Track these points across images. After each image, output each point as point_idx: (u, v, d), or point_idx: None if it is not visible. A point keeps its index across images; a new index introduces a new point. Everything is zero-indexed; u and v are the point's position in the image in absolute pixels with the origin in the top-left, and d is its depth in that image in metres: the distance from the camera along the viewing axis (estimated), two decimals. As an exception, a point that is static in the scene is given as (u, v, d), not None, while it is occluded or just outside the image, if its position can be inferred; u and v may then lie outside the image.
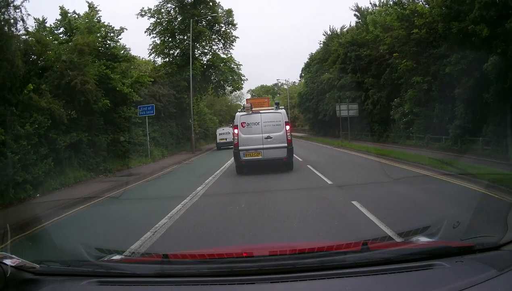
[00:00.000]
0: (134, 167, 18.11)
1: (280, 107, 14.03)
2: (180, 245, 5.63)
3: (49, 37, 16.51)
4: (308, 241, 4.89)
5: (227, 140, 27.17)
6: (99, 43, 17.39)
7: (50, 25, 18.48)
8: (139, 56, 32.40)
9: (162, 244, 5.54)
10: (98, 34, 17.72)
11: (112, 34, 18.97)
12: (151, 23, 31.11)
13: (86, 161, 15.57)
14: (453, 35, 17.18)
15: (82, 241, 3.98)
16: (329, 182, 10.60)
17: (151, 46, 31.26)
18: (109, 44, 18.55)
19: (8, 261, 1.86)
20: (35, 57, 15.31)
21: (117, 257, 2.66)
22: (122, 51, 18.25)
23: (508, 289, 1.70)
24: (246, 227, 6.25)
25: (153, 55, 31.22)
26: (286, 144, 12.92)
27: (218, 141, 30.29)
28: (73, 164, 14.84)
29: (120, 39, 18.66)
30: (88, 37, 15.34)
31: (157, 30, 31.14)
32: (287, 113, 14.38)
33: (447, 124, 20.16)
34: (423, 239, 2.60)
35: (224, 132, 29.79)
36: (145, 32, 31.33)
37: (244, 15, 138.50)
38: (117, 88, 16.23)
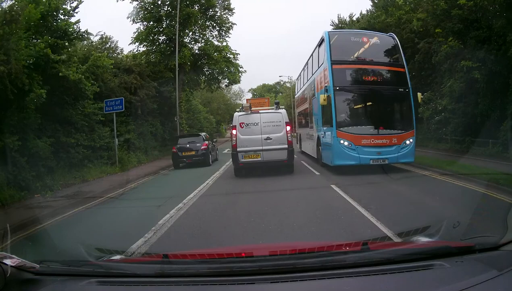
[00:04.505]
0: (91, 180, 13.73)
1: (280, 107, 13.43)
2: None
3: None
4: (308, 241, 4.60)
5: None
6: (45, 17, 12.97)
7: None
8: (131, 52, 28.48)
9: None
10: (46, 6, 13.29)
11: (67, 7, 14.56)
12: (134, 7, 27.11)
13: (18, 175, 11.25)
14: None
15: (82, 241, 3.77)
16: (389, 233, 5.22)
17: (134, 34, 27.28)
18: (62, 19, 14.10)
19: (8, 261, 1.84)
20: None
21: (117, 257, 2.58)
22: (76, 26, 13.68)
23: (508, 289, 1.67)
24: None
25: (136, 44, 27.21)
26: (286, 146, 12.32)
27: None
28: (-2, 180, 10.59)
29: (77, 13, 14.13)
30: (18, 3, 10.99)
31: (141, 15, 27.09)
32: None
33: (497, 125, 15.84)
34: (423, 239, 2.48)
35: None
36: (128, 17, 27.33)
37: (244, 14, 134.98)
38: (60, 74, 11.79)
